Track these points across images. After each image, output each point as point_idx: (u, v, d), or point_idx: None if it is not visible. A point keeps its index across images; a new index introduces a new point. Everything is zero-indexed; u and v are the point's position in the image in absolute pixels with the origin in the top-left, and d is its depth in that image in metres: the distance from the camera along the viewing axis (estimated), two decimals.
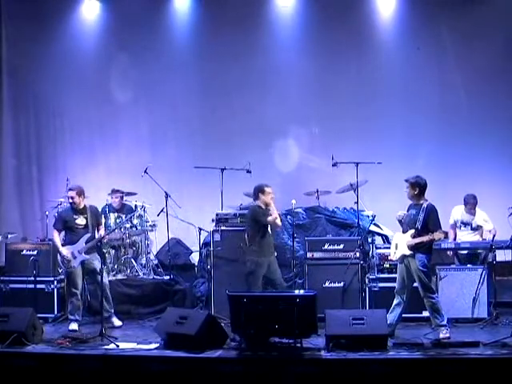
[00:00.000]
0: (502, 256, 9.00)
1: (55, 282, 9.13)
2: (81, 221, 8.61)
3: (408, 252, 7.63)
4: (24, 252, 9.27)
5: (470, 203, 9.18)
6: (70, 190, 8.68)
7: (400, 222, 7.93)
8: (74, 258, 8.45)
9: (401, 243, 7.73)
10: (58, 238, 8.69)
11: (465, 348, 6.93)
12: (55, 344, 7.35)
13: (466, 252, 9.24)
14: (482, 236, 9.21)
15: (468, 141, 11.00)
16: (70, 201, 8.63)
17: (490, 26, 10.88)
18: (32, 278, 8.79)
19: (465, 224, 9.27)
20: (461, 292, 8.57)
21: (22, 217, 11.88)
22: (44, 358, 6.99)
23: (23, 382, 6.76)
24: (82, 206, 8.65)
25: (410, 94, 11.21)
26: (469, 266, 8.86)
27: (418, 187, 7.70)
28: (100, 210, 9.20)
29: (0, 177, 11.93)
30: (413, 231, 7.61)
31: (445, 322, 7.55)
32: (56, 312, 9.07)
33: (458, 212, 9.33)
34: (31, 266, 8.87)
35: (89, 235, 8.52)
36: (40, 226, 11.36)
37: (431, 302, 7.60)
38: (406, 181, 7.76)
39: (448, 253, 9.25)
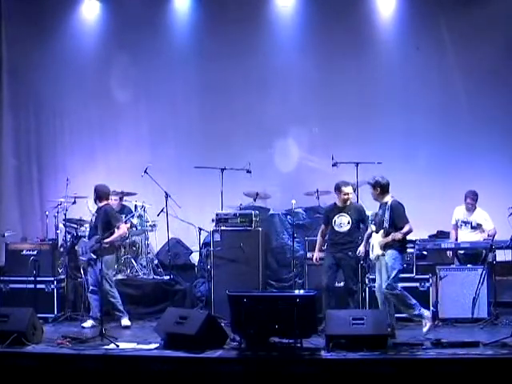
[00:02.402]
0: (502, 256, 8.99)
1: (55, 282, 9.15)
2: (93, 219, 8.84)
3: (381, 252, 7.71)
4: (24, 252, 9.28)
5: (470, 198, 9.21)
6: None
7: (373, 222, 8.02)
8: (85, 253, 8.60)
9: (375, 243, 7.83)
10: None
11: (465, 348, 6.93)
12: (55, 344, 7.34)
13: (465, 252, 9.26)
14: (483, 234, 9.20)
15: (468, 141, 10.99)
16: None
17: (490, 25, 10.87)
18: (32, 278, 8.79)
19: (465, 223, 9.29)
20: (461, 292, 8.58)
21: (22, 217, 11.87)
22: (44, 358, 6.98)
23: (23, 382, 6.76)
24: (99, 205, 8.81)
25: (410, 94, 11.20)
26: (469, 266, 8.87)
27: (379, 187, 7.81)
28: None
29: (0, 176, 11.93)
30: (382, 231, 7.71)
31: (420, 312, 7.59)
32: (56, 312, 9.08)
33: (459, 212, 9.35)
34: (31, 266, 8.87)
35: (98, 236, 8.58)
36: (40, 226, 11.37)
37: (396, 296, 7.61)
38: (368, 183, 7.91)
39: (448, 253, 9.25)
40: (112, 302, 8.65)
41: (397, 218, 7.68)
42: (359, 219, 8.45)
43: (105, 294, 8.52)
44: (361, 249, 8.13)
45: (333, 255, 8.37)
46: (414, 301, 7.67)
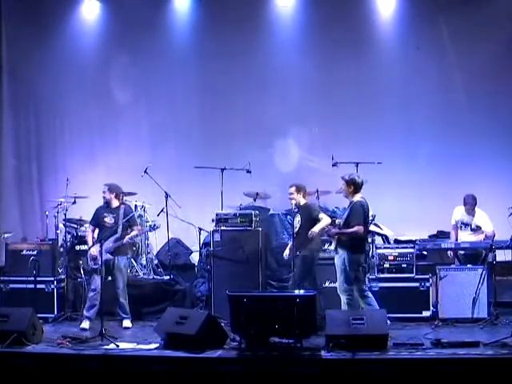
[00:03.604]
0: (502, 256, 8.98)
1: (55, 282, 9.14)
2: (109, 219, 8.66)
3: (333, 247, 7.87)
4: (24, 252, 9.26)
5: (469, 203, 9.17)
6: (105, 185, 8.78)
7: None
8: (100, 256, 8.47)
9: None
10: (90, 233, 8.81)
11: (465, 348, 6.93)
12: (55, 344, 7.34)
13: (465, 252, 9.25)
14: (482, 235, 9.18)
15: (468, 140, 11.00)
16: (102, 195, 8.74)
17: (491, 25, 10.88)
18: (32, 278, 8.78)
19: (465, 224, 9.26)
20: (461, 292, 8.57)
21: (22, 217, 11.87)
22: (44, 358, 6.98)
23: (23, 382, 6.76)
24: (114, 205, 8.71)
25: (410, 93, 11.21)
26: (469, 266, 8.86)
27: (353, 185, 7.83)
28: (97, 210, 9.00)
29: (0, 177, 11.93)
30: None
31: None
32: (56, 312, 9.07)
33: (459, 212, 9.31)
34: (31, 266, 8.86)
35: (117, 235, 8.53)
36: (40, 225, 11.38)
37: (345, 301, 7.72)
38: (342, 178, 7.90)
39: (448, 253, 9.25)
40: (122, 303, 8.64)
41: (351, 216, 7.71)
42: (308, 218, 8.44)
43: (116, 293, 8.54)
44: None
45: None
46: None
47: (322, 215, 8.40)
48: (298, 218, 8.54)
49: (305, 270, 8.36)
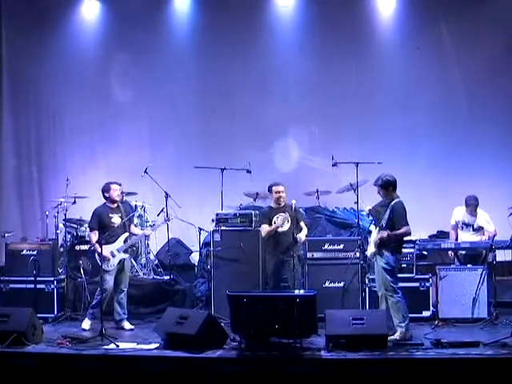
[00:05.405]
0: (502, 256, 8.99)
1: (55, 282, 9.13)
2: (116, 219, 8.52)
3: (374, 249, 7.62)
4: (24, 252, 9.26)
5: (471, 205, 9.13)
6: (117, 183, 8.60)
7: (368, 216, 7.99)
8: (113, 256, 8.39)
9: (371, 241, 7.75)
10: (95, 237, 8.46)
11: (465, 348, 6.92)
12: (55, 344, 7.33)
13: (465, 252, 9.25)
14: (484, 236, 9.17)
15: (468, 141, 11.01)
16: (116, 194, 8.54)
17: (490, 25, 10.90)
18: (32, 278, 8.79)
19: (466, 225, 9.24)
20: (461, 292, 8.57)
21: (22, 217, 11.88)
22: (44, 358, 6.98)
23: (23, 381, 6.76)
24: (116, 204, 8.61)
25: (410, 93, 11.22)
26: (469, 266, 8.86)
27: (391, 185, 7.67)
28: (98, 212, 8.75)
29: (0, 177, 11.93)
30: (378, 229, 7.65)
31: (403, 324, 7.42)
32: (56, 312, 9.06)
33: (460, 213, 9.29)
34: (31, 266, 8.88)
35: (127, 234, 8.48)
36: (40, 226, 11.38)
37: (392, 301, 7.51)
38: (375, 185, 7.72)
39: (448, 253, 9.25)
40: (124, 303, 8.56)
41: (396, 218, 7.55)
42: (296, 217, 8.64)
43: (119, 292, 8.49)
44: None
45: (277, 257, 8.69)
46: (407, 315, 7.51)
47: (303, 222, 8.79)
48: (287, 218, 8.63)
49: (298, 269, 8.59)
